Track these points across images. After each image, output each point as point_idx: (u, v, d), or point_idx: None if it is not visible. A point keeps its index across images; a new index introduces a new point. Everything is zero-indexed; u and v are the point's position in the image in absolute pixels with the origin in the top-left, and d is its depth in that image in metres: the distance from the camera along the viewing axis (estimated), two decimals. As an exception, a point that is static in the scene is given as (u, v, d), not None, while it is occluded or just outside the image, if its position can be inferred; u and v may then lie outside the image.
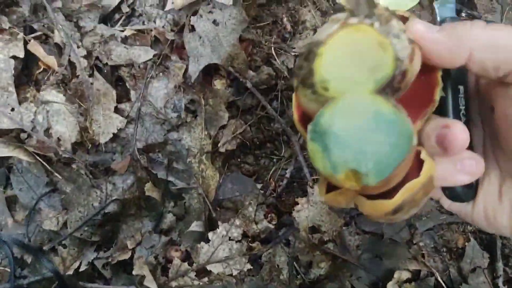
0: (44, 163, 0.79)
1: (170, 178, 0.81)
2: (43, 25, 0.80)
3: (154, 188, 0.80)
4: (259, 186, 0.82)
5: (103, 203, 0.79)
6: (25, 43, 0.79)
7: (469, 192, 0.33)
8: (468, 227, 0.82)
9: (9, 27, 0.78)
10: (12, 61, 0.77)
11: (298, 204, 0.78)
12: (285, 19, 0.84)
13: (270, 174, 0.83)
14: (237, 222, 0.79)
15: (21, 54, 0.77)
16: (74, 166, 0.79)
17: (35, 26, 0.80)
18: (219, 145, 0.80)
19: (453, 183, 0.30)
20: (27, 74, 0.81)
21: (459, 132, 0.27)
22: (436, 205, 0.81)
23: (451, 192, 0.33)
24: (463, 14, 0.85)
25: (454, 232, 0.82)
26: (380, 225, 0.80)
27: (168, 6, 0.72)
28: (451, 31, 0.28)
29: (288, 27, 0.83)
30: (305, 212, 0.78)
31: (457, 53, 0.28)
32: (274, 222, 0.80)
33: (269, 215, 0.81)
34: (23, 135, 0.79)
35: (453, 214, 0.82)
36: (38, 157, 0.79)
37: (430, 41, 0.28)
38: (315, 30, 0.84)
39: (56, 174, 0.80)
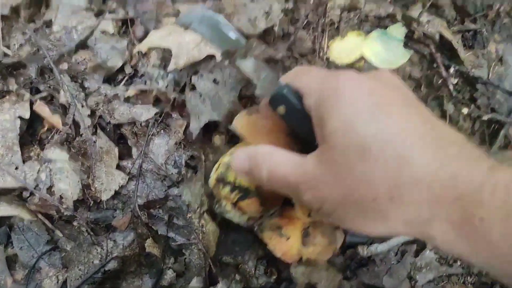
0: (46, 221, 0.81)
1: (171, 234, 0.83)
2: (49, 86, 0.84)
3: (154, 245, 0.82)
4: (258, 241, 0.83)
5: (104, 260, 0.80)
6: (31, 103, 0.82)
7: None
8: (469, 278, 0.84)
9: (16, 89, 0.82)
10: (19, 121, 0.80)
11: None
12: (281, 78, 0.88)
13: (270, 228, 0.85)
14: (238, 277, 0.80)
15: (27, 115, 0.81)
16: (75, 223, 0.81)
17: (41, 87, 0.84)
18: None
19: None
20: (31, 133, 0.84)
21: None
22: (435, 256, 0.83)
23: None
24: (452, 70, 0.90)
25: (455, 284, 0.83)
26: (381, 278, 0.82)
27: (171, 67, 0.77)
28: (252, 176, 0.46)
29: (285, 84, 0.88)
30: (301, 268, 0.79)
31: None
32: (274, 277, 0.82)
33: (269, 269, 0.82)
34: (25, 194, 0.82)
35: (452, 266, 0.83)
36: (39, 215, 0.81)
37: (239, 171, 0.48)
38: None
39: (57, 232, 0.81)
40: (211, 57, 0.79)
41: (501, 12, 0.95)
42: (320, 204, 0.40)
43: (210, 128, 0.85)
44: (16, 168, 0.80)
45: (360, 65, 0.92)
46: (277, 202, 0.66)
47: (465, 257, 0.34)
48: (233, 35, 0.56)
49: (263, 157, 0.45)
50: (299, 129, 0.48)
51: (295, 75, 0.49)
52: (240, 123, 0.63)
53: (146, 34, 0.88)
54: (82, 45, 0.85)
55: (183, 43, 0.77)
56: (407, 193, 0.34)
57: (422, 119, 0.38)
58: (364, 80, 0.40)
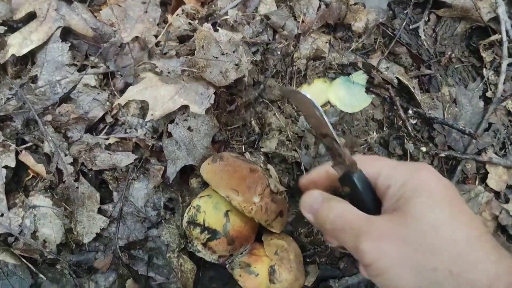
0: (30, 265, 0.86)
1: (151, 274, 0.88)
2: (34, 137, 0.90)
3: (135, 285, 0.86)
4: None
5: (86, 302, 0.84)
6: (17, 153, 0.89)
7: None
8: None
9: (3, 140, 0.88)
10: (4, 171, 0.86)
11: (272, 293, 0.85)
12: (253, 122, 0.96)
13: (245, 265, 0.90)
14: (215, 314, 0.84)
15: (13, 164, 0.87)
16: (58, 266, 0.86)
17: (27, 138, 0.91)
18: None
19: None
20: (16, 181, 0.90)
21: None
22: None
23: None
24: (410, 112, 0.99)
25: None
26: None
27: (148, 118, 0.84)
28: (316, 220, 0.54)
29: (256, 129, 0.96)
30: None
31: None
32: (250, 313, 0.86)
33: (246, 305, 0.87)
34: (10, 239, 0.87)
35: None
36: (24, 260, 0.86)
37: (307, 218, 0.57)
38: (280, 131, 0.96)
39: (41, 275, 0.86)
40: (185, 107, 0.87)
41: (453, 58, 1.06)
42: (377, 257, 0.43)
43: (186, 171, 0.92)
44: (2, 215, 0.85)
45: (326, 109, 1.01)
46: (246, 241, 0.73)
47: None
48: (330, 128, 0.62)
49: (336, 203, 0.52)
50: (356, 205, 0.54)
51: (369, 159, 0.56)
52: (205, 170, 0.71)
53: (126, 85, 0.96)
54: (66, 98, 0.92)
55: (158, 96, 0.85)
56: (467, 272, 0.39)
57: (477, 225, 0.44)
58: (442, 180, 0.48)
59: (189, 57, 0.89)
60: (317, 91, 1.02)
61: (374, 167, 0.52)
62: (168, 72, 0.88)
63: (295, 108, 1.00)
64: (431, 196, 0.45)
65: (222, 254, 0.69)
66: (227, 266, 0.73)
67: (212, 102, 0.85)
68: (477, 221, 0.45)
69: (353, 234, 0.46)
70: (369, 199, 0.51)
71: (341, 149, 0.52)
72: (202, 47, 0.90)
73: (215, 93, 0.86)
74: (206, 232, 0.67)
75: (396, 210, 0.46)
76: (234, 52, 0.92)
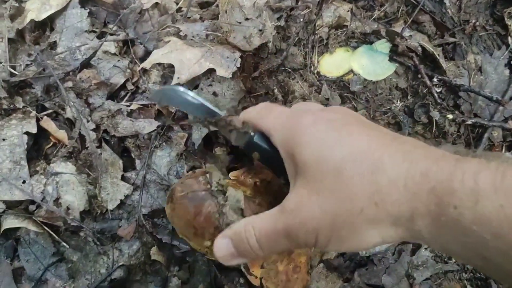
0: (52, 232, 0.85)
1: (175, 242, 0.87)
2: (55, 104, 0.89)
3: (159, 253, 0.85)
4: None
5: (110, 269, 0.83)
6: (37, 120, 0.87)
7: None
8: (464, 274, 0.89)
9: (23, 106, 0.87)
10: (26, 137, 0.85)
11: (300, 260, 0.84)
12: (276, 90, 0.95)
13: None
14: (242, 281, 0.83)
15: (34, 130, 0.86)
16: (81, 234, 0.85)
17: (47, 104, 0.89)
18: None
19: None
20: (37, 149, 0.89)
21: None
22: (431, 254, 0.88)
23: None
24: (435, 80, 0.98)
25: (451, 280, 0.88)
26: (380, 277, 0.86)
27: (174, 81, 0.83)
28: (245, 256, 0.48)
29: (279, 97, 0.95)
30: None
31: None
32: (277, 280, 0.85)
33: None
34: (31, 207, 0.85)
35: (448, 263, 0.88)
36: (46, 227, 0.84)
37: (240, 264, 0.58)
38: (304, 99, 0.95)
39: (63, 243, 0.85)
40: (211, 71, 0.85)
41: (477, 26, 1.04)
42: (315, 237, 0.41)
43: (210, 140, 0.90)
44: (24, 182, 0.84)
45: (349, 77, 0.99)
46: None
47: (449, 250, 0.37)
48: (208, 106, 0.62)
49: (244, 228, 0.45)
50: (276, 169, 0.53)
51: (259, 115, 0.53)
52: (168, 214, 0.65)
53: (146, 53, 0.95)
54: (86, 64, 0.91)
55: (184, 59, 0.83)
56: (387, 195, 0.37)
57: (382, 132, 0.42)
58: (320, 113, 0.45)
59: (213, 21, 0.88)
60: (339, 60, 1.01)
61: (265, 126, 0.51)
62: (193, 36, 0.87)
63: (317, 76, 0.99)
64: (313, 143, 0.42)
65: None
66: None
67: (239, 65, 0.84)
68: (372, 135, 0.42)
69: (285, 239, 0.43)
70: (273, 152, 0.51)
71: (231, 120, 0.53)
72: (226, 11, 0.89)
73: (241, 57, 0.85)
74: None
75: (292, 175, 0.45)
76: (257, 17, 0.90)
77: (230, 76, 0.83)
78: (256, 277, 0.67)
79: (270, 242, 0.44)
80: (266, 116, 0.52)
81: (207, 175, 0.60)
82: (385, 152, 0.38)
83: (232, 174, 0.64)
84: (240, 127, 0.53)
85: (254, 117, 0.54)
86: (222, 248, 0.48)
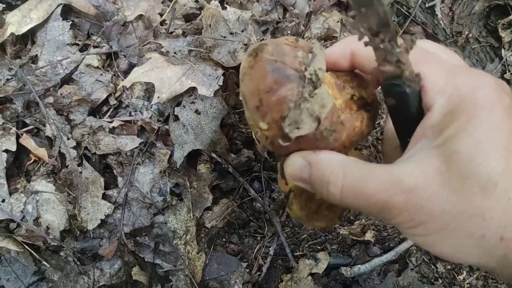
0: (33, 252, 0.84)
1: (157, 261, 0.86)
2: (35, 120, 0.88)
3: (141, 272, 0.85)
4: (244, 264, 0.87)
5: (91, 289, 0.83)
6: (17, 137, 0.86)
7: None
8: (449, 296, 0.88)
9: (3, 123, 0.86)
10: (5, 155, 0.84)
11: (282, 281, 0.83)
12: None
13: (255, 252, 0.89)
14: (224, 302, 0.83)
15: (14, 148, 0.85)
16: (62, 253, 0.84)
17: (27, 120, 0.88)
18: (205, 223, 0.87)
19: None
20: (18, 166, 0.88)
21: None
22: (417, 275, 0.87)
23: None
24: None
25: (436, 302, 0.87)
26: (364, 298, 0.86)
27: (154, 101, 0.81)
28: (315, 187, 0.40)
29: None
30: (290, 289, 0.83)
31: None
32: (260, 301, 0.85)
33: (255, 293, 0.85)
34: (12, 225, 0.84)
35: (434, 284, 0.87)
36: (26, 247, 0.84)
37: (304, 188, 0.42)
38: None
39: (44, 262, 0.84)
40: (193, 89, 0.84)
41: (470, 38, 1.02)
42: (415, 226, 0.35)
43: (194, 156, 0.89)
44: (3, 201, 0.83)
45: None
46: None
47: None
48: None
49: (334, 167, 0.37)
50: (399, 123, 0.42)
51: (418, 57, 0.38)
52: (243, 67, 0.47)
53: (130, 66, 0.93)
54: (67, 79, 0.89)
55: (165, 78, 0.82)
56: None
57: None
58: (504, 97, 0.35)
59: (196, 36, 0.86)
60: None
61: (422, 73, 0.38)
62: (175, 53, 0.85)
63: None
64: (481, 135, 0.33)
65: None
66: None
67: (221, 83, 0.82)
68: None
69: (377, 210, 0.36)
70: (414, 114, 0.40)
71: (402, 55, 0.36)
72: (210, 26, 0.87)
73: (223, 74, 0.83)
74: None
75: (438, 147, 0.35)
76: (243, 31, 0.89)
77: (212, 95, 0.81)
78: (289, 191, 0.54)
79: (354, 202, 0.37)
80: (425, 62, 0.38)
81: (310, 54, 0.44)
82: None
83: (332, 72, 0.48)
84: (410, 73, 0.38)
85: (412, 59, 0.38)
86: (295, 168, 0.40)
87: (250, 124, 0.45)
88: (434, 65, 0.37)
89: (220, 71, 0.83)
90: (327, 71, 0.43)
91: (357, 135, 0.44)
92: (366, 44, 0.36)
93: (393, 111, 0.41)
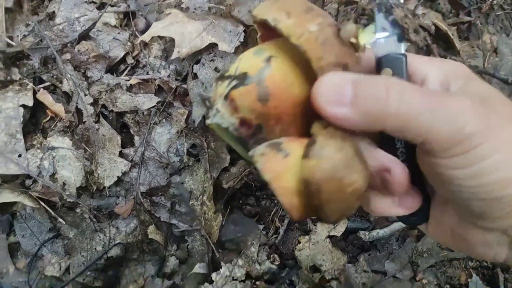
0: (48, 208, 0.84)
1: (173, 221, 0.85)
2: (52, 76, 0.87)
3: (157, 231, 0.84)
4: (261, 227, 0.86)
5: (106, 247, 0.82)
6: (34, 92, 0.85)
7: (419, 217, 0.37)
8: (470, 263, 0.87)
9: (19, 78, 0.85)
10: (22, 110, 0.83)
11: (300, 243, 0.83)
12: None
13: (272, 215, 0.88)
14: (240, 262, 0.82)
15: (30, 103, 0.84)
16: (78, 210, 0.83)
17: (44, 77, 0.87)
18: (222, 184, 0.86)
19: (391, 215, 0.35)
20: (34, 122, 0.87)
21: (399, 175, 0.31)
22: (436, 241, 0.86)
23: (403, 219, 0.38)
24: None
25: (456, 268, 0.86)
26: (383, 263, 0.84)
27: (174, 56, 0.80)
28: (361, 108, 0.29)
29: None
30: (307, 251, 0.82)
31: (370, 128, 0.30)
32: (277, 263, 0.84)
33: (272, 255, 0.85)
34: (28, 182, 0.84)
35: (453, 251, 0.86)
36: (42, 203, 0.83)
37: (337, 118, 0.30)
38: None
39: (60, 219, 0.84)
40: (212, 45, 0.83)
41: (495, 5, 1.00)
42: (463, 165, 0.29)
43: (211, 117, 0.88)
44: (19, 156, 0.82)
45: (358, 56, 0.96)
46: (282, 120, 0.40)
47: None
48: None
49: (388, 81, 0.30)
50: None
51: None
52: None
53: (147, 26, 0.92)
54: (85, 36, 0.88)
55: (185, 32, 0.80)
56: None
57: None
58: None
59: (217, -7, 0.85)
60: (348, 38, 0.97)
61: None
62: (195, 9, 0.84)
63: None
64: None
65: (246, 116, 0.39)
66: (249, 145, 0.39)
67: (242, 40, 0.81)
68: None
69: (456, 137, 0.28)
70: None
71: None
72: (231, -17, 0.86)
73: (244, 31, 0.82)
74: (233, 80, 0.39)
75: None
76: (264, -10, 0.87)
77: (233, 51, 0.80)
78: (287, 155, 0.37)
79: (418, 119, 0.28)
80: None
81: None
82: None
83: None
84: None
85: None
86: (333, 90, 0.30)
87: (291, 34, 0.36)
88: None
89: (241, 28, 0.82)
90: None
91: None
92: None
93: None
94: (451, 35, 0.95)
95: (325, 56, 0.35)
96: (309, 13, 0.36)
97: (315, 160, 0.33)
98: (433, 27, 0.96)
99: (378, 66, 0.38)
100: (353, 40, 0.34)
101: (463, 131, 0.28)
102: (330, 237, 0.84)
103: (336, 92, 0.30)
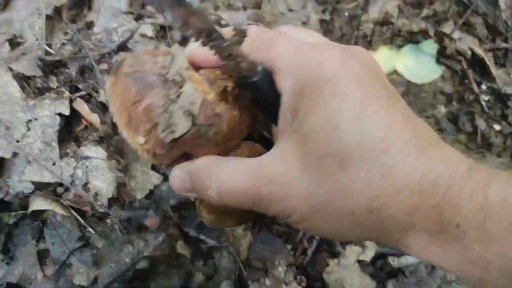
0: (79, 217, 0.84)
1: (201, 236, 0.86)
2: (88, 86, 0.88)
3: (184, 246, 0.85)
4: (288, 247, 0.86)
5: (135, 259, 0.83)
6: (70, 101, 0.86)
7: None
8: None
9: (57, 86, 0.86)
10: (58, 118, 0.84)
11: (328, 265, 0.82)
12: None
13: (300, 235, 0.87)
14: (267, 282, 0.82)
15: (67, 112, 0.85)
16: (108, 221, 0.84)
17: (80, 86, 0.88)
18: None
19: None
20: (68, 131, 0.88)
21: None
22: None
23: None
24: (483, 87, 0.94)
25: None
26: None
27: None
28: (197, 191, 0.41)
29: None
30: (336, 275, 0.81)
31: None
32: (303, 284, 0.84)
33: (299, 276, 0.84)
34: (59, 189, 0.85)
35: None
36: (73, 211, 0.84)
37: (190, 197, 0.46)
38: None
39: (89, 228, 0.84)
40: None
41: (532, 32, 1.00)
42: (288, 215, 0.36)
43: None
44: (54, 164, 0.83)
45: (392, 78, 0.96)
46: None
47: (438, 263, 0.33)
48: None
49: (208, 172, 0.38)
50: (267, 114, 0.43)
51: (266, 42, 0.38)
52: (107, 88, 0.46)
53: (183, 38, 0.92)
54: (122, 47, 0.89)
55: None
56: (388, 205, 0.32)
57: (405, 119, 0.34)
58: (351, 65, 0.34)
59: (256, 10, 0.85)
60: (383, 58, 0.97)
61: (270, 57, 0.37)
62: (234, 25, 0.84)
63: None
64: (331, 109, 0.33)
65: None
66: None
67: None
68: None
69: (253, 204, 0.37)
70: (274, 102, 0.39)
71: (233, 48, 0.37)
72: (269, 1, 0.86)
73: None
74: None
75: (288, 134, 0.36)
76: (301, 9, 0.87)
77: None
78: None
79: (231, 201, 0.37)
80: (267, 46, 0.38)
81: (169, 57, 0.44)
82: (401, 149, 0.32)
83: (205, 70, 0.46)
84: (248, 65, 0.39)
85: (258, 48, 0.39)
86: (178, 179, 0.41)
87: (130, 143, 0.43)
88: (282, 46, 0.37)
89: (281, 47, 0.82)
90: (198, 70, 0.43)
91: (239, 123, 0.43)
92: (201, 44, 0.37)
93: (256, 103, 0.42)
94: (487, 61, 0.95)
95: (162, 161, 0.43)
96: (131, 123, 0.42)
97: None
98: (469, 52, 0.95)
99: (239, 86, 0.41)
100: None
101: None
102: (358, 261, 0.83)
103: (181, 183, 0.41)
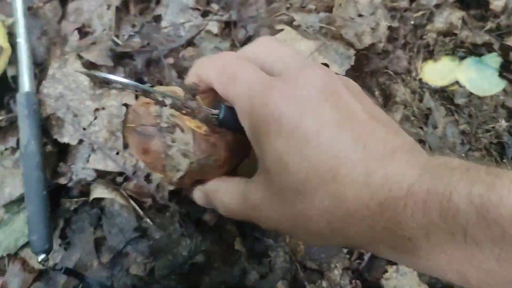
0: (137, 208, 0.85)
1: (258, 235, 0.86)
2: (153, 79, 0.89)
3: (241, 243, 0.85)
4: (344, 250, 0.86)
5: (192, 253, 0.83)
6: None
7: None
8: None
9: (123, 77, 0.87)
10: (124, 108, 0.85)
11: (387, 272, 0.82)
12: (377, 93, 0.92)
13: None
14: (324, 284, 0.82)
15: (133, 102, 0.86)
16: (167, 213, 0.85)
17: (145, 78, 0.89)
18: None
19: None
20: (132, 121, 0.89)
21: None
22: None
23: None
24: (547, 103, 0.93)
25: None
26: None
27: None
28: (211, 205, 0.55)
29: (380, 100, 0.92)
30: (394, 281, 0.81)
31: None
32: (359, 289, 0.84)
33: (354, 281, 0.84)
34: (119, 179, 0.86)
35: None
36: (132, 202, 0.85)
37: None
38: (405, 105, 0.92)
39: (147, 219, 0.85)
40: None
41: None
42: (277, 231, 0.45)
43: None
44: (117, 153, 0.84)
45: (453, 89, 0.95)
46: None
47: (409, 266, 0.38)
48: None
49: (213, 195, 0.49)
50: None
51: (228, 82, 0.41)
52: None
53: (247, 37, 0.93)
54: (190, 42, 0.90)
55: (297, 50, 0.81)
56: (345, 227, 0.35)
57: (353, 140, 0.34)
58: (295, 99, 0.36)
59: (328, 14, 0.85)
60: (444, 69, 0.97)
61: (229, 96, 0.41)
62: (306, 27, 0.85)
63: (419, 83, 0.95)
64: (277, 147, 0.36)
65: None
66: None
67: (353, 63, 0.81)
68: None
69: (249, 220, 0.45)
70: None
71: (190, 103, 0.45)
72: (340, 5, 0.86)
73: (355, 55, 0.82)
74: None
75: (260, 162, 0.41)
76: (371, 14, 0.87)
77: (344, 73, 0.81)
78: None
79: (236, 218, 0.47)
80: (229, 83, 0.41)
81: (158, 106, 0.51)
82: (348, 175, 0.34)
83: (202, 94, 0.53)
84: (204, 115, 0.45)
85: (213, 81, 0.43)
86: (197, 199, 0.55)
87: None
88: (239, 85, 0.40)
89: (352, 51, 0.82)
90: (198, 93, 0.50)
91: (237, 145, 0.50)
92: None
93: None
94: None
95: (181, 187, 0.68)
96: (149, 165, 0.57)
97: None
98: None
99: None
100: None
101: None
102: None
103: (200, 201, 0.55)
